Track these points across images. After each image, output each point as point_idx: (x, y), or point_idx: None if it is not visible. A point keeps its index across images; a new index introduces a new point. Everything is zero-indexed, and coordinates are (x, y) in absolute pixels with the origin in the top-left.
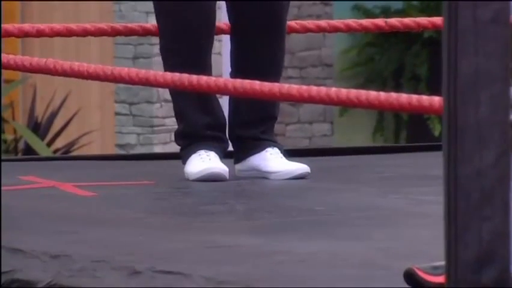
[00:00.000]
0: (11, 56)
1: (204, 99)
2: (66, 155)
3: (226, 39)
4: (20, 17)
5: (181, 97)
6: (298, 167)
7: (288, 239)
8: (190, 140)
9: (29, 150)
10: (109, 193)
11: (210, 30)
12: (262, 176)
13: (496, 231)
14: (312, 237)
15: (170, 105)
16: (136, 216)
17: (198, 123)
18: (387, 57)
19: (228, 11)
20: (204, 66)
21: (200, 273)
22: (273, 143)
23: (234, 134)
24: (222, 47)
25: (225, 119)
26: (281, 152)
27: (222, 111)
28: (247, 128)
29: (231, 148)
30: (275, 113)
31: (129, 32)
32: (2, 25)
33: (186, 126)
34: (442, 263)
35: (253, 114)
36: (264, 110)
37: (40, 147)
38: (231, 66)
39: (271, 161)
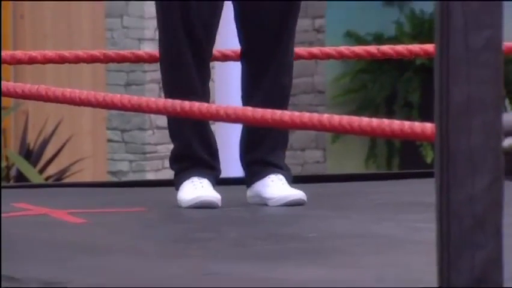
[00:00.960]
0: (3, 83)
1: (199, 123)
2: (58, 182)
3: (219, 65)
4: (11, 44)
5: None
6: (294, 192)
7: (281, 266)
8: (184, 164)
9: (20, 178)
10: (101, 220)
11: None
12: (263, 202)
13: (489, 257)
14: (305, 264)
15: (163, 132)
16: (127, 243)
17: (193, 143)
18: (380, 84)
19: (238, 34)
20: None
21: None
22: (278, 170)
23: (243, 158)
24: (215, 74)
25: (217, 146)
26: (288, 179)
27: (214, 138)
28: (255, 152)
29: (223, 175)
30: (284, 138)
31: (121, 59)
32: None
33: (181, 146)
34: None
35: (261, 137)
36: (272, 134)
37: (32, 174)
38: (242, 91)
39: (271, 187)
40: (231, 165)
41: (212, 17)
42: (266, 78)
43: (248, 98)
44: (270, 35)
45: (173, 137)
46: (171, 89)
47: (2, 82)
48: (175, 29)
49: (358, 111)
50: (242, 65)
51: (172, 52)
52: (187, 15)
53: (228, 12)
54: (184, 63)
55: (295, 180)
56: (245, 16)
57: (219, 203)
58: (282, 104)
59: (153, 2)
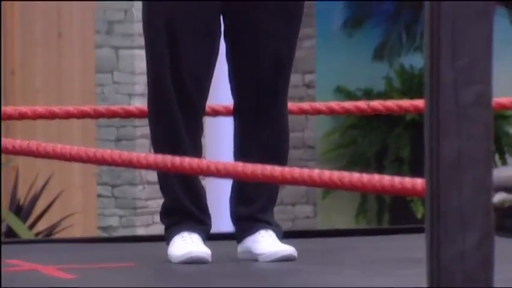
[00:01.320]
0: None
1: (189, 177)
2: (48, 237)
3: (209, 121)
4: (2, 100)
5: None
6: (284, 248)
7: None
8: (175, 218)
9: (10, 233)
10: (91, 276)
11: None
12: (254, 258)
13: None
14: None
15: (153, 187)
16: None
17: (183, 198)
18: (370, 139)
19: (231, 89)
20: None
21: None
22: (268, 225)
23: (233, 214)
24: (206, 129)
25: (206, 201)
26: (278, 235)
27: (205, 192)
28: (245, 207)
29: (213, 230)
30: (274, 194)
31: (112, 114)
32: None
33: (171, 201)
34: None
35: (251, 194)
36: (263, 190)
37: (22, 230)
38: (234, 147)
39: (261, 243)
40: (222, 220)
41: (205, 71)
42: (261, 135)
43: (241, 155)
44: (264, 90)
45: (163, 190)
46: (160, 144)
47: None
48: (164, 83)
49: (348, 167)
50: (235, 120)
51: (161, 106)
52: (177, 69)
53: (219, 66)
54: (173, 118)
55: (285, 236)
56: (239, 71)
57: (210, 259)
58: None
59: (143, 57)
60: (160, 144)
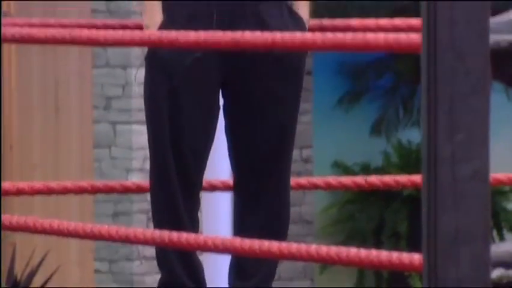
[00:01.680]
0: None
1: (187, 253)
2: None
3: (207, 196)
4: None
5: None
6: None
7: None
8: None
9: None
10: None
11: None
12: None
13: None
14: None
15: (150, 262)
16: None
17: (180, 274)
18: (367, 214)
19: (231, 164)
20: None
21: None
22: None
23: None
24: (203, 204)
25: (204, 277)
26: None
27: (202, 268)
28: (244, 281)
29: None
30: (273, 269)
31: (109, 190)
32: None
33: (168, 277)
34: None
35: (250, 269)
36: (261, 266)
37: None
38: (234, 223)
39: None
40: None
41: (203, 144)
42: (262, 211)
43: (241, 230)
44: (265, 166)
45: (161, 266)
46: (159, 216)
47: None
48: (165, 156)
49: (346, 242)
50: (235, 195)
51: (161, 179)
52: (177, 141)
53: (216, 139)
54: (172, 192)
55: None
56: (240, 147)
57: None
58: (279, 239)
59: (141, 133)
60: (159, 215)
